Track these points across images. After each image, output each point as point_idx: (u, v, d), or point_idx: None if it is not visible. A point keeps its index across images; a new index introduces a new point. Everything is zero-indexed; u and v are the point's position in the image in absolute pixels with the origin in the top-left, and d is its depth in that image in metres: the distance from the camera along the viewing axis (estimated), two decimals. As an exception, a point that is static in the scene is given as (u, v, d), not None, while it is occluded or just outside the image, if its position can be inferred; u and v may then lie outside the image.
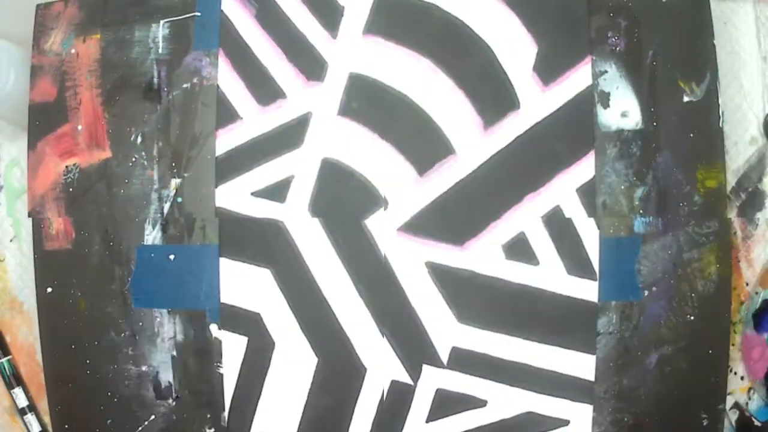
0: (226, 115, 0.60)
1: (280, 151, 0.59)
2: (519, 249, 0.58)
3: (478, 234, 0.58)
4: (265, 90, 0.60)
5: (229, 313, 0.58)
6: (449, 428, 0.58)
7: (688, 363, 0.58)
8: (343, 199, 0.59)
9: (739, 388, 0.62)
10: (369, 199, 0.58)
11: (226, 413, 0.58)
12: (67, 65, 0.61)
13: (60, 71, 0.61)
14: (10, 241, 0.67)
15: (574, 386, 0.57)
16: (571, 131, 0.59)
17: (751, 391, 0.62)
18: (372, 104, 0.59)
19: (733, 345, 0.61)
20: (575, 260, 0.58)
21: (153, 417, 0.59)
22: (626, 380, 0.58)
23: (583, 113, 0.59)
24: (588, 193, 0.58)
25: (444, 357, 0.58)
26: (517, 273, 0.58)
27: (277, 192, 0.59)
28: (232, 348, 0.58)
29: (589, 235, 0.58)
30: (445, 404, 0.58)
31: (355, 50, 0.60)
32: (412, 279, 0.58)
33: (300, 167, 0.59)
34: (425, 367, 0.58)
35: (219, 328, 0.59)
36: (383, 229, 0.58)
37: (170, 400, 0.59)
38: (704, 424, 0.58)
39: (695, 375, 0.58)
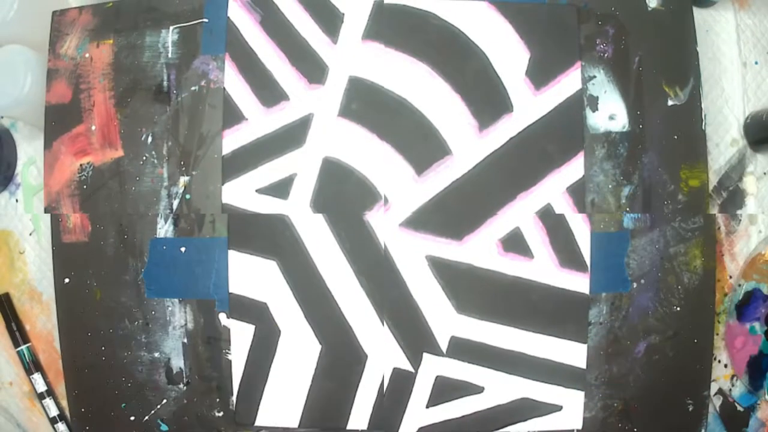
0: (232, 116, 0.61)
1: (284, 150, 0.61)
2: (514, 244, 0.59)
3: (476, 229, 0.60)
4: (270, 92, 0.61)
5: (237, 302, 0.59)
6: (448, 413, 0.59)
7: (675, 351, 0.59)
8: (344, 195, 0.60)
9: (723, 376, 0.64)
10: (369, 196, 0.60)
11: (234, 397, 0.59)
12: (81, 69, 0.62)
13: (75, 74, 0.62)
14: (30, 234, 0.68)
15: (566, 373, 0.59)
16: (561, 133, 0.60)
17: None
18: (371, 106, 0.61)
19: (717, 334, 0.63)
20: (567, 254, 0.59)
21: (165, 401, 0.60)
22: (616, 368, 0.59)
23: (573, 116, 0.60)
24: (578, 191, 0.60)
25: (443, 345, 0.59)
26: (512, 266, 0.59)
27: (280, 189, 0.60)
28: (241, 336, 0.59)
29: (581, 230, 0.59)
30: (445, 390, 0.59)
31: (355, 55, 0.61)
32: (413, 271, 0.59)
33: (302, 165, 0.60)
34: (425, 355, 0.59)
35: (228, 317, 0.60)
36: (383, 224, 0.60)
37: (181, 385, 0.60)
38: (690, 409, 0.59)
39: (681, 363, 0.60)
